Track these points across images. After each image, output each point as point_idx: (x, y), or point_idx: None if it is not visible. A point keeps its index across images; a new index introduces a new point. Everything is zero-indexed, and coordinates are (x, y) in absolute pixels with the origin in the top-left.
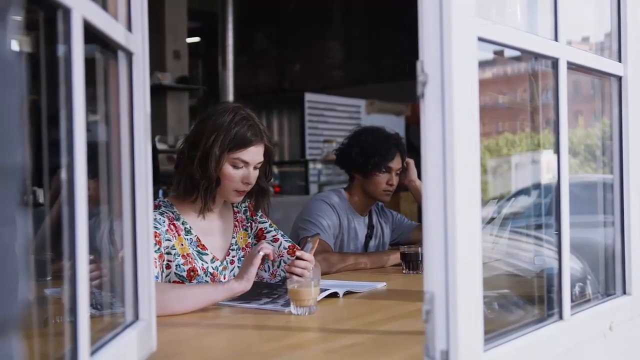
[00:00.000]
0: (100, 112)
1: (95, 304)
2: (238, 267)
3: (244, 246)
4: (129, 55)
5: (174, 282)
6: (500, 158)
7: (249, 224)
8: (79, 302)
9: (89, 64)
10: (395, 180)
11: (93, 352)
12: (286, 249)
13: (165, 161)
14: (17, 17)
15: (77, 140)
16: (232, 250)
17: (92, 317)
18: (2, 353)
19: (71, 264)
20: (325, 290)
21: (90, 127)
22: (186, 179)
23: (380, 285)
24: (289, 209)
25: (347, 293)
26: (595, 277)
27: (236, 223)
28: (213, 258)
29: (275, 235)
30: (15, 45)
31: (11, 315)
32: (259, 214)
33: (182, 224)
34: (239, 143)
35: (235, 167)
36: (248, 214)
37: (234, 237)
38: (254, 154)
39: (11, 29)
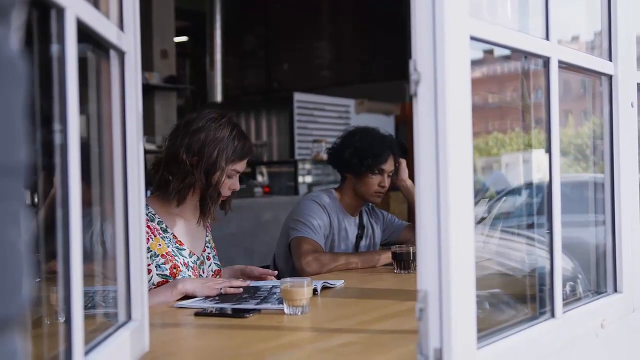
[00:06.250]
0: (92, 112)
1: (86, 304)
2: (215, 263)
3: (213, 246)
4: (121, 54)
5: (159, 283)
6: (490, 157)
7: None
8: (73, 303)
9: (80, 63)
10: (387, 182)
11: (87, 352)
12: (212, 271)
13: (153, 162)
14: (20, 16)
15: (71, 141)
16: (207, 247)
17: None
18: (6, 350)
19: (64, 265)
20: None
21: (82, 127)
22: (187, 187)
23: (339, 284)
24: (278, 209)
25: (324, 288)
26: (586, 276)
27: (207, 224)
28: (190, 253)
29: (211, 253)
30: (18, 45)
31: (16, 312)
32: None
33: (158, 224)
34: (239, 156)
35: (229, 177)
36: (209, 222)
37: (207, 236)
38: (245, 164)
39: (14, 28)
